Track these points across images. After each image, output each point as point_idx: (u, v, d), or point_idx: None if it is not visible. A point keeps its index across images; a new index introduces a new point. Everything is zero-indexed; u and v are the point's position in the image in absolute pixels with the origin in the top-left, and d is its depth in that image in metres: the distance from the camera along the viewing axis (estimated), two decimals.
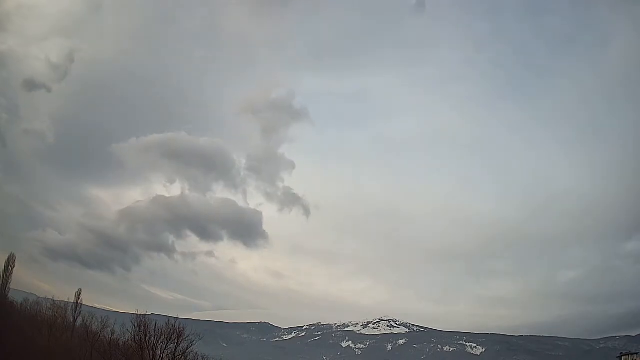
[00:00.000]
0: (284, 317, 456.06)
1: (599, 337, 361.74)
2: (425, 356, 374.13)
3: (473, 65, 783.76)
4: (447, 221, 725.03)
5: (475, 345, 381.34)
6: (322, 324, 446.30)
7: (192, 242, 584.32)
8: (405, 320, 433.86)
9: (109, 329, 70.29)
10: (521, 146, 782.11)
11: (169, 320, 59.14)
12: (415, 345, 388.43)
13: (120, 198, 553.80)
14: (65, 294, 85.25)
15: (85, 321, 72.73)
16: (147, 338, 55.53)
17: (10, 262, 78.54)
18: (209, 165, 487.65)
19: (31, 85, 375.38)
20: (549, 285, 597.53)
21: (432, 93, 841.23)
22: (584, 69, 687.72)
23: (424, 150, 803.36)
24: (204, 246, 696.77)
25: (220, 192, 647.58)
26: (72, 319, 74.61)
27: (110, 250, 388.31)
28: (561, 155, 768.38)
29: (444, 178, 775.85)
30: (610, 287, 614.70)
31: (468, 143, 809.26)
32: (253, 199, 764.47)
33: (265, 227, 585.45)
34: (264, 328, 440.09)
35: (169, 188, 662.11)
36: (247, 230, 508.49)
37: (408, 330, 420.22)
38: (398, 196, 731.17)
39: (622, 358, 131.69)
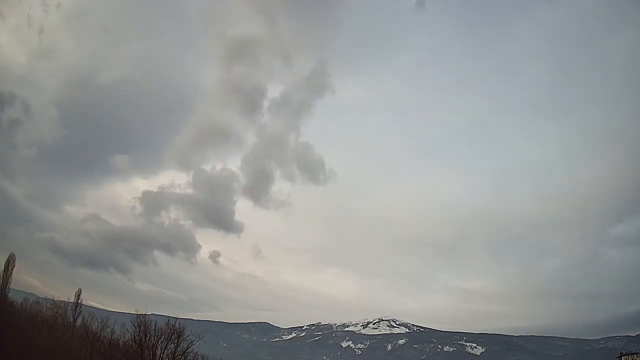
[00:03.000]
0: (284, 317, 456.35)
1: (599, 337, 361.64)
2: (425, 356, 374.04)
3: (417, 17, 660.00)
4: (415, 206, 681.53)
5: (475, 345, 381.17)
6: (322, 324, 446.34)
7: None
8: (405, 320, 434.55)
9: (109, 329, 70.40)
10: (489, 116, 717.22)
11: (169, 320, 59.19)
12: (415, 345, 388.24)
13: (119, 198, 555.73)
14: (65, 294, 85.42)
15: (85, 321, 72.82)
16: (147, 338, 55.56)
17: (10, 262, 78.65)
18: None
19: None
20: (530, 276, 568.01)
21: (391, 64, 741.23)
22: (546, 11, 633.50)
23: (387, 128, 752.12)
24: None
25: None
26: (72, 319, 74.73)
27: (111, 250, 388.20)
28: (533, 123, 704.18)
29: (411, 159, 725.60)
30: (596, 275, 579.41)
31: (428, 119, 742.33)
32: None
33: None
34: (264, 328, 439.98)
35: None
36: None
37: (408, 330, 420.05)
38: (361, 178, 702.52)
39: (622, 358, 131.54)
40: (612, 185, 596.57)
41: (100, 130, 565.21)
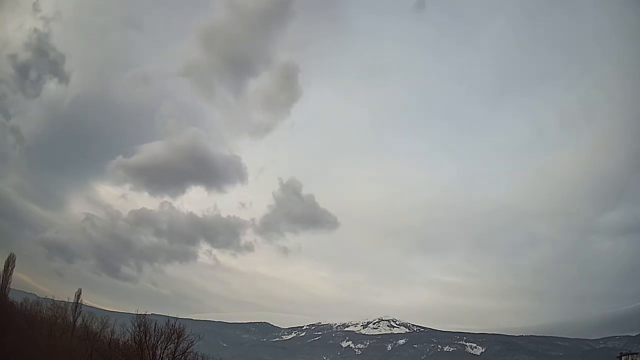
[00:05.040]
0: (284, 317, 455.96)
1: (599, 337, 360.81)
2: (425, 356, 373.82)
3: None
4: (386, 192, 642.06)
5: (475, 345, 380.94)
6: (322, 324, 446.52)
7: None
8: (405, 320, 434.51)
9: (109, 329, 70.40)
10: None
11: (169, 320, 59.18)
12: (415, 345, 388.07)
13: (119, 197, 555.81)
14: (65, 294, 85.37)
15: (85, 321, 72.81)
16: (147, 338, 55.58)
17: (10, 262, 78.52)
18: None
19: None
20: (515, 271, 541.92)
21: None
22: None
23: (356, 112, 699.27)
24: None
25: None
26: (72, 319, 74.61)
27: (111, 250, 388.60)
28: (500, 98, 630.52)
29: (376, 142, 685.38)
30: (589, 271, 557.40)
31: (382, 94, 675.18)
32: None
33: None
34: (264, 328, 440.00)
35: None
36: None
37: (408, 330, 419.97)
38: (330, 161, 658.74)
39: (622, 358, 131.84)
40: (598, 167, 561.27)
41: (99, 130, 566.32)
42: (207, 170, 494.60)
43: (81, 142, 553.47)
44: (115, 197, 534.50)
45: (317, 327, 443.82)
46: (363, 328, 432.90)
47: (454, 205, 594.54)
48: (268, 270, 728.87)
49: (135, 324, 56.31)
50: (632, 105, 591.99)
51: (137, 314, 59.45)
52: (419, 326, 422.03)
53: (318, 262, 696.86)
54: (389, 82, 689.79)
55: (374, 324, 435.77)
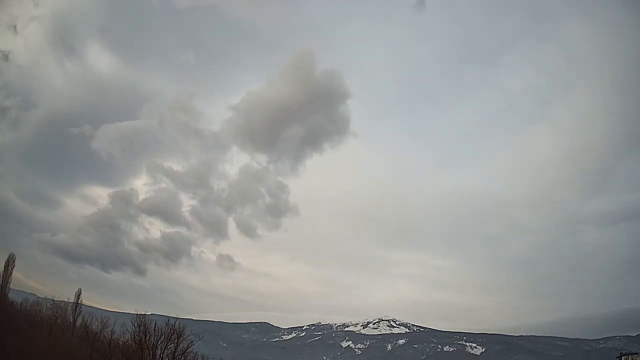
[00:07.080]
0: (284, 317, 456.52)
1: (599, 337, 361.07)
2: (425, 356, 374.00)
3: None
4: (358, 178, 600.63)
5: (475, 345, 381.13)
6: (322, 324, 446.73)
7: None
8: (405, 320, 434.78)
9: (109, 329, 70.44)
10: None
11: (168, 320, 59.28)
12: (415, 345, 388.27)
13: (118, 196, 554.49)
14: (65, 294, 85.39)
15: (85, 321, 72.90)
16: (147, 338, 55.68)
17: (10, 262, 78.71)
18: None
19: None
20: (498, 262, 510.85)
21: None
22: None
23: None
24: None
25: None
26: (72, 319, 74.67)
27: (111, 250, 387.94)
28: (460, 67, 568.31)
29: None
30: (575, 259, 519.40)
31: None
32: None
33: None
34: (264, 328, 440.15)
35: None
36: None
37: (408, 330, 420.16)
38: None
39: (622, 358, 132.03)
40: (579, 148, 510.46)
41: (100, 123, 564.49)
42: None
43: (83, 142, 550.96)
44: (114, 196, 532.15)
45: (317, 327, 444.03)
46: (363, 328, 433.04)
47: (428, 193, 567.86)
48: (245, 263, 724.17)
49: (135, 324, 56.40)
50: (617, 71, 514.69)
51: (137, 314, 59.56)
52: (419, 326, 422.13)
53: (293, 254, 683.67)
54: (337, 57, 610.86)
55: (374, 324, 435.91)
